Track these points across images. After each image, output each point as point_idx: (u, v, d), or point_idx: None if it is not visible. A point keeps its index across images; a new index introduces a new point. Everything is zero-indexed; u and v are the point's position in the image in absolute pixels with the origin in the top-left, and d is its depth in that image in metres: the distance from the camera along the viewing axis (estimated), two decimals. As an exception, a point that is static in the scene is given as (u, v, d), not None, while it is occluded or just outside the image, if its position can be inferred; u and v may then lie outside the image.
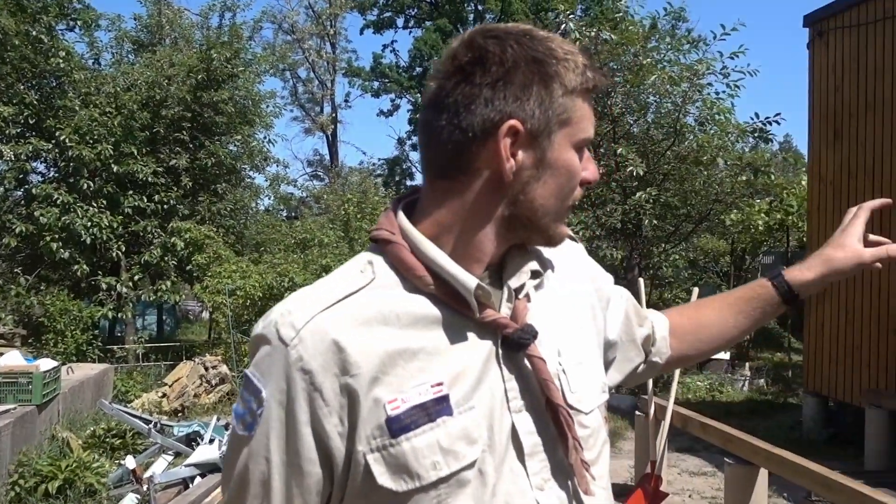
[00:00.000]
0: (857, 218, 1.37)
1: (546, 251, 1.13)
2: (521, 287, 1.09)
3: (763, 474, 4.62)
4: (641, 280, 5.84)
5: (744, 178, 9.32)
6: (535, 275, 1.10)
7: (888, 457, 6.24)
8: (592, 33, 8.67)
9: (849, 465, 6.67)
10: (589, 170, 1.09)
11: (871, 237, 1.36)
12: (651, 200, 8.68)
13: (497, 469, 1.02)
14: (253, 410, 1.00)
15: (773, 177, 9.75)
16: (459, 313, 1.03)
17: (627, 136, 9.40)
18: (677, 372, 5.60)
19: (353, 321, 1.00)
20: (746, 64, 10.34)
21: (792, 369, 10.87)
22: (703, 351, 1.46)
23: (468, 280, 1.02)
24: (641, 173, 8.56)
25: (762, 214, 10.90)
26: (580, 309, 1.20)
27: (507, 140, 1.01)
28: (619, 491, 6.23)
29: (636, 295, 6.32)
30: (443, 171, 1.06)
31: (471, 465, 0.99)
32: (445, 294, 1.03)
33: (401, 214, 1.08)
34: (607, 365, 1.31)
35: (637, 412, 6.25)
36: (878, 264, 1.35)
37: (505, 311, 1.06)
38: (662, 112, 9.45)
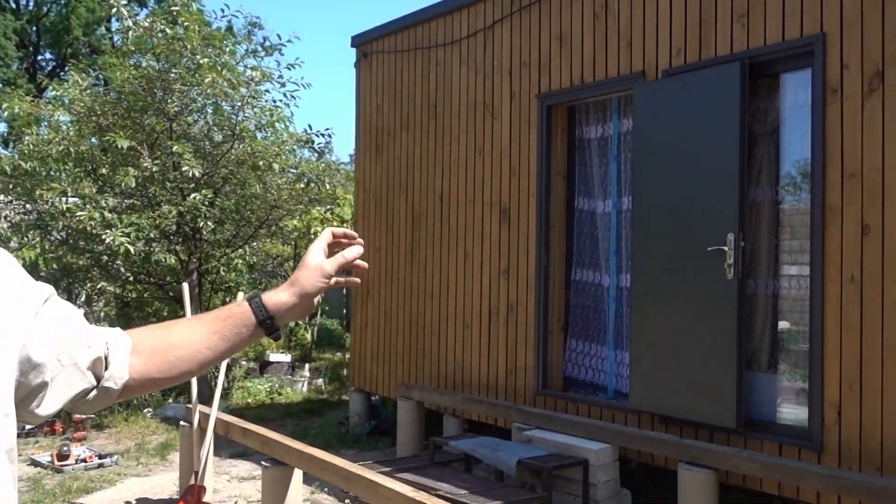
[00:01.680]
0: (320, 237, 1.42)
1: None
2: None
3: (298, 473, 4.77)
4: (186, 285, 5.65)
5: (301, 185, 9.70)
6: None
7: (416, 443, 6.91)
8: (147, 23, 8.23)
9: (385, 454, 7.27)
10: None
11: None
12: (207, 203, 8.51)
13: None
14: None
15: (328, 186, 10.35)
16: None
17: (186, 136, 9.10)
18: (221, 379, 5.50)
19: None
20: (301, 77, 11.38)
21: (347, 368, 11.54)
22: (172, 374, 1.34)
23: None
24: (199, 174, 8.34)
25: (320, 222, 11.45)
26: None
27: None
28: (163, 507, 5.97)
29: (181, 301, 6.10)
30: None
31: None
32: None
33: None
34: (36, 390, 1.14)
35: (182, 422, 6.03)
36: (351, 278, 1.43)
37: None
38: (225, 115, 9.35)
